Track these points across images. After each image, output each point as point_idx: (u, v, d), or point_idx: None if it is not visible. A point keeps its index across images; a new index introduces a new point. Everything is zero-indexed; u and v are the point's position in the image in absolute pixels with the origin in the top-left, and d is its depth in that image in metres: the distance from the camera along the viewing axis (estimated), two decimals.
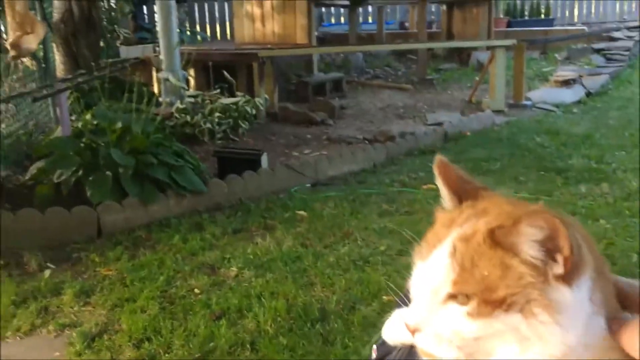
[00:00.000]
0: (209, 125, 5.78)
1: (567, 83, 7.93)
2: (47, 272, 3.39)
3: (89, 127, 4.69)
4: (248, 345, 2.64)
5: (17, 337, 2.81)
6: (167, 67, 6.22)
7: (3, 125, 4.97)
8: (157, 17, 6.60)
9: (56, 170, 4.14)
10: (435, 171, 0.73)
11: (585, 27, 10.90)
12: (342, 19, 12.32)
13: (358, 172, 5.16)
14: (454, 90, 8.43)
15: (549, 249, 0.62)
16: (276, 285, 3.19)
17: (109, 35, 8.57)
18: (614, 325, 0.64)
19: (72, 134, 4.70)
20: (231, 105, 6.00)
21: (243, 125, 6.02)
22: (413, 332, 0.67)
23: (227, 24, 11.31)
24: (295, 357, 2.55)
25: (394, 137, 5.83)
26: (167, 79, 6.16)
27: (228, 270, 3.41)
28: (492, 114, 6.88)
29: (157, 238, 3.86)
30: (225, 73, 6.32)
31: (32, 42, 4.53)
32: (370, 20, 12.06)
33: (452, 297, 0.64)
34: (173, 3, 6.30)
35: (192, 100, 6.09)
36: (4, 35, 4.98)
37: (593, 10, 13.12)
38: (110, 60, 6.39)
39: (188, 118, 5.81)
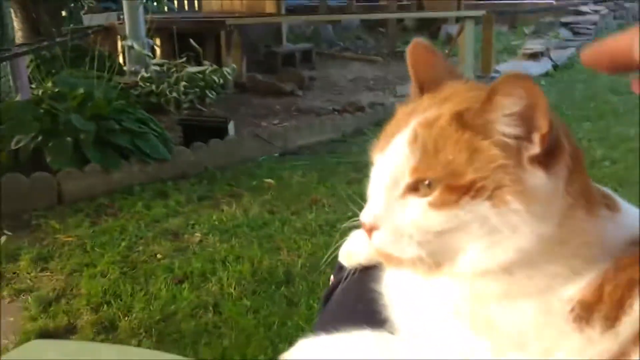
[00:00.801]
0: (174, 94, 5.65)
1: (535, 56, 7.96)
2: (2, 239, 3.28)
3: (50, 94, 4.54)
4: (211, 308, 2.59)
5: None
6: (131, 34, 6.06)
7: None
8: None
9: (14, 136, 4.00)
10: (407, 54, 0.66)
11: (553, 1, 10.94)
12: None
13: (327, 142, 5.11)
14: None
15: (526, 125, 0.55)
16: (241, 250, 3.14)
17: (72, 4, 8.32)
18: None
19: (31, 100, 4.54)
20: (198, 74, 5.87)
21: (210, 95, 5.90)
22: (370, 231, 0.60)
23: None
24: (259, 319, 2.51)
25: (363, 108, 5.78)
26: (131, 47, 6.00)
27: (192, 236, 3.35)
28: None
29: (119, 205, 3.76)
30: (192, 41, 6.18)
31: None
32: None
33: (413, 189, 0.57)
34: None
35: (157, 68, 5.95)
36: None
37: None
38: (72, 26, 6.19)
39: (153, 87, 5.67)
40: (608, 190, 0.65)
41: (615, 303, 0.55)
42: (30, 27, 6.29)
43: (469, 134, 0.56)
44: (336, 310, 0.86)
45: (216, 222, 3.51)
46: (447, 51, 7.86)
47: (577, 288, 0.56)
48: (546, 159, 0.55)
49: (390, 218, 0.58)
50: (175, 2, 10.44)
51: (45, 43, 5.57)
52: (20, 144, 3.96)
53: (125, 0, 6.04)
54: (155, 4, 9.43)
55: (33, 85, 5.12)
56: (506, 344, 0.57)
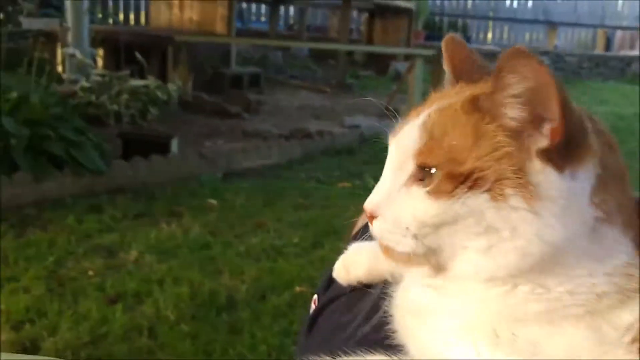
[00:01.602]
0: (115, 107, 5.40)
1: None
2: None
3: None
4: (145, 331, 2.38)
5: None
6: (74, 42, 5.80)
7: None
8: None
9: None
10: (443, 47, 0.62)
11: (498, 48, 11.30)
12: (263, 18, 12.15)
13: (273, 166, 4.97)
14: (371, 97, 8.41)
15: (536, 111, 0.49)
16: (180, 272, 2.95)
17: (10, 8, 7.95)
18: None
19: None
20: (141, 87, 5.65)
21: (152, 111, 5.68)
22: (370, 218, 0.55)
23: (143, 13, 10.83)
24: (198, 345, 2.32)
25: (311, 135, 5.69)
26: (73, 55, 5.73)
27: (127, 254, 3.12)
28: None
29: (48, 217, 3.50)
30: (137, 54, 5.96)
31: None
32: (263, 20, 11.91)
33: (419, 178, 0.52)
34: None
35: (99, 79, 5.69)
36: None
37: (505, 35, 13.69)
38: (10, 28, 5.88)
39: (93, 98, 5.41)
40: None
41: None
42: None
43: (476, 118, 0.51)
44: (330, 334, 0.72)
45: (154, 241, 3.30)
46: (395, 88, 7.93)
47: (633, 315, 0.50)
48: (562, 157, 0.49)
49: (391, 206, 0.55)
50: (122, 16, 10.19)
51: None
52: None
53: (70, 8, 5.79)
54: (100, 16, 9.19)
55: None
56: None
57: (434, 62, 7.43)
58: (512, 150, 0.50)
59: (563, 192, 0.49)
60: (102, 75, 5.79)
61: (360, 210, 0.61)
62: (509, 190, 0.50)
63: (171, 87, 6.01)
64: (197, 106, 6.39)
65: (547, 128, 0.49)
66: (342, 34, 8.52)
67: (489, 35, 13.58)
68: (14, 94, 4.02)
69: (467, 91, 0.56)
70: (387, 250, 0.56)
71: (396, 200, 0.54)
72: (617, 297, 0.50)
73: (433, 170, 0.52)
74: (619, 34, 13.72)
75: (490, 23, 13.69)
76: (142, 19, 10.68)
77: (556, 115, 0.48)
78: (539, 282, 0.51)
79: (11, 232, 3.25)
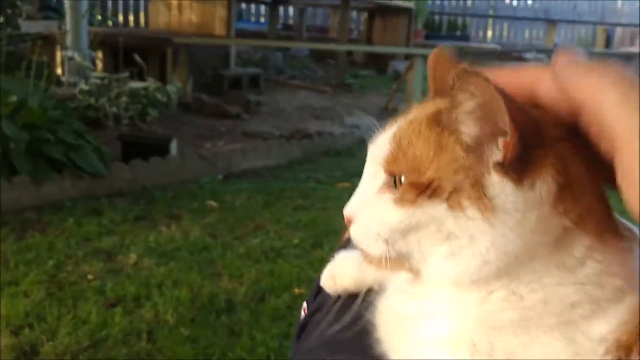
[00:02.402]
0: (114, 109, 5.41)
1: None
2: None
3: None
4: (145, 335, 2.38)
5: None
6: (73, 45, 5.80)
7: None
8: None
9: None
10: (429, 61, 0.62)
11: (498, 46, 11.29)
12: (262, 19, 12.15)
13: (273, 168, 4.97)
14: (371, 96, 8.43)
15: (489, 126, 0.50)
16: (179, 275, 2.95)
17: (9, 11, 7.95)
18: None
19: None
20: (140, 90, 5.66)
21: (152, 113, 5.68)
22: (349, 223, 0.58)
23: (142, 14, 10.83)
24: (197, 349, 2.32)
25: (311, 135, 5.69)
26: (72, 58, 5.74)
27: (126, 258, 3.12)
28: None
29: (48, 220, 3.50)
30: (137, 56, 5.97)
31: None
32: (253, 20, 11.90)
33: (390, 186, 0.55)
34: None
35: (98, 82, 5.69)
36: None
37: (505, 33, 13.69)
38: (9, 31, 5.88)
39: (92, 100, 5.41)
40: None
41: None
42: None
43: (437, 131, 0.53)
44: (317, 343, 0.72)
45: (153, 244, 3.30)
46: (394, 87, 7.93)
47: (607, 326, 0.50)
48: (518, 169, 0.50)
49: (365, 212, 0.57)
50: (121, 17, 10.20)
51: None
52: None
53: (69, 7, 5.79)
54: (99, 17, 9.19)
55: None
56: None
57: None
58: (469, 163, 0.51)
59: (519, 203, 0.50)
60: (101, 78, 5.80)
61: None
62: (465, 202, 0.51)
63: (171, 88, 6.01)
64: (196, 107, 6.39)
65: (501, 142, 0.50)
66: (341, 34, 8.53)
67: (489, 33, 13.57)
68: (13, 98, 4.03)
69: (438, 104, 0.56)
70: (365, 255, 0.58)
71: (369, 207, 0.56)
72: (589, 306, 0.50)
73: (403, 179, 0.54)
74: (618, 31, 13.71)
75: (490, 21, 13.68)
76: (142, 21, 10.70)
77: (508, 130, 0.49)
78: (512, 289, 0.52)
79: (11, 235, 3.25)
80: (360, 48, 9.70)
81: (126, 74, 5.88)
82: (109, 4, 10.75)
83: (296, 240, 3.43)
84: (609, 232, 0.53)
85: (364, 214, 0.57)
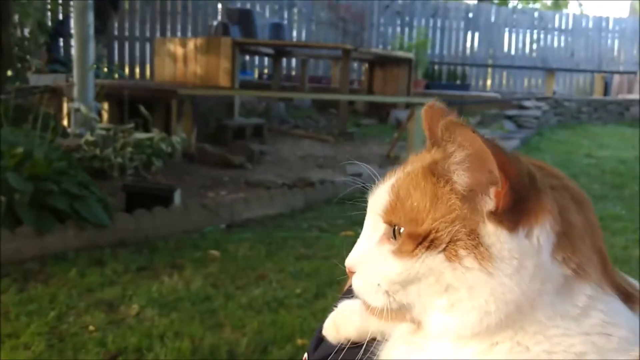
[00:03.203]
0: (119, 159, 5.46)
1: None
2: None
3: None
4: None
5: None
6: (79, 97, 5.91)
7: None
8: (73, 43, 6.29)
9: None
10: (422, 113, 0.65)
11: (498, 95, 11.44)
12: (266, 70, 12.34)
13: (275, 216, 4.98)
14: (372, 145, 8.50)
15: (480, 176, 0.51)
16: (181, 326, 2.93)
17: (19, 65, 8.13)
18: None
19: None
20: (145, 140, 5.73)
21: (156, 163, 5.74)
22: (350, 274, 0.59)
23: (148, 65, 11.05)
24: None
25: (313, 184, 5.72)
26: (78, 110, 5.84)
27: (128, 308, 3.11)
28: None
29: (51, 271, 3.50)
30: (142, 108, 6.06)
31: None
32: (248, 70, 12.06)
33: (389, 237, 0.56)
34: (91, 32, 6.04)
35: (103, 133, 5.77)
36: None
37: (504, 82, 13.88)
38: (17, 85, 6.00)
39: (97, 151, 5.48)
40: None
41: None
42: None
43: (434, 181, 0.55)
44: None
45: (155, 294, 3.29)
46: (395, 135, 8.00)
47: None
48: (512, 217, 0.51)
49: (365, 263, 0.58)
50: (127, 69, 10.39)
51: None
52: None
53: (76, 61, 5.92)
54: (106, 70, 9.37)
55: None
56: None
57: None
58: (464, 212, 0.52)
59: (515, 251, 0.50)
60: (107, 129, 5.88)
61: None
62: (462, 252, 0.51)
63: (175, 139, 6.09)
64: (200, 157, 6.45)
65: (492, 191, 0.51)
66: (342, 84, 8.65)
67: (488, 82, 13.76)
68: (19, 150, 4.08)
69: (434, 155, 0.58)
70: (367, 306, 0.59)
71: (370, 258, 0.57)
72: (596, 357, 0.50)
73: (402, 230, 0.55)
74: (616, 78, 13.88)
75: (489, 70, 13.89)
76: (147, 73, 10.90)
77: (498, 179, 0.50)
78: (517, 341, 0.51)
79: (13, 287, 3.25)
80: (361, 98, 9.83)
81: (131, 125, 5.97)
82: (116, 57, 11.00)
83: (299, 290, 3.42)
84: (610, 283, 0.53)
85: (365, 265, 0.58)
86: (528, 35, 14.48)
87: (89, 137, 5.55)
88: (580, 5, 33.40)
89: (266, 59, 11.99)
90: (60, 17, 10.25)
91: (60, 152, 4.45)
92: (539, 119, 9.86)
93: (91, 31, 6.05)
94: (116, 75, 9.99)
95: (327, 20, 13.00)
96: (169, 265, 3.75)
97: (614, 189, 6.32)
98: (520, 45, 14.46)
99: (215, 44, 7.77)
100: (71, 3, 7.16)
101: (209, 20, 11.64)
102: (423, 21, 13.64)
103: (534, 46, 14.60)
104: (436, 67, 12.85)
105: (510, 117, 9.74)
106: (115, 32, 10.91)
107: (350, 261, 0.59)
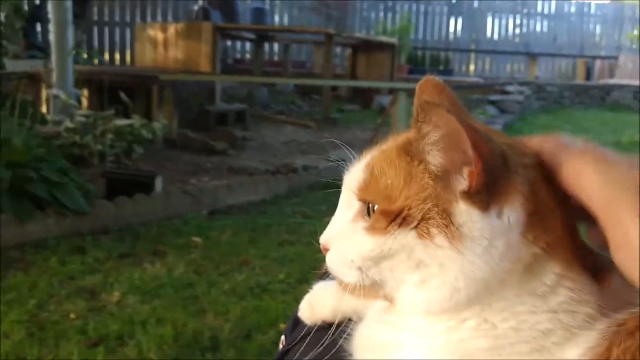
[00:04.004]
0: (99, 146, 5.40)
1: None
2: None
3: None
4: None
5: None
6: (58, 83, 5.82)
7: None
8: (51, 28, 6.19)
9: None
10: (417, 89, 0.64)
11: (481, 80, 11.47)
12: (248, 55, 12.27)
13: (259, 203, 4.96)
14: (356, 131, 8.49)
15: (454, 156, 0.51)
16: (164, 312, 2.91)
17: None
18: None
19: None
20: (126, 127, 5.66)
21: (137, 150, 5.68)
22: (325, 251, 0.60)
23: (128, 51, 10.92)
24: None
25: (296, 170, 5.70)
26: (57, 96, 5.75)
27: (110, 295, 3.08)
28: None
29: (31, 259, 3.46)
30: (122, 94, 5.99)
31: None
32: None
33: (363, 215, 0.56)
34: (69, 17, 5.94)
35: (83, 120, 5.69)
36: None
37: (487, 67, 13.92)
38: None
39: (77, 138, 5.40)
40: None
41: None
42: None
43: (408, 160, 0.55)
44: None
45: (137, 282, 3.27)
46: (379, 121, 8.00)
47: (577, 350, 0.50)
48: (484, 197, 0.51)
49: (339, 240, 0.58)
50: (107, 55, 10.26)
51: None
52: None
53: (54, 46, 5.82)
54: (85, 56, 9.24)
55: None
56: None
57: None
58: (437, 192, 0.52)
59: (486, 231, 0.51)
60: (86, 116, 5.79)
61: None
62: (433, 230, 0.52)
63: (156, 125, 6.02)
64: (182, 144, 6.40)
65: (466, 171, 0.51)
66: (325, 70, 8.62)
67: (471, 67, 13.80)
68: None
69: (409, 135, 0.57)
70: (340, 282, 0.59)
71: (343, 235, 0.57)
72: (562, 334, 0.50)
73: (375, 207, 0.55)
74: (598, 63, 13.98)
75: (472, 55, 13.91)
76: (128, 59, 10.77)
77: (471, 159, 0.50)
78: (483, 317, 0.52)
79: None
80: (344, 83, 9.81)
81: (111, 111, 5.89)
82: (95, 42, 10.84)
83: (282, 276, 3.41)
84: (580, 260, 0.53)
85: (339, 242, 0.58)
86: (511, 20, 14.53)
87: (68, 123, 5.47)
88: None
89: (248, 44, 11.90)
90: (37, 1, 10.08)
91: (39, 139, 4.39)
92: (521, 104, 9.90)
93: (69, 16, 5.95)
94: (96, 61, 9.86)
95: (310, 4, 12.93)
96: (150, 252, 3.72)
97: None
98: (503, 30, 14.51)
99: (196, 29, 7.69)
100: None
101: (189, 5, 11.51)
102: (406, 6, 13.62)
103: (517, 31, 14.65)
104: (419, 52, 12.86)
105: (493, 102, 9.77)
106: (95, 17, 10.75)
107: (324, 238, 0.59)
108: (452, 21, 14.01)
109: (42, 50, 8.75)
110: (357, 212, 0.57)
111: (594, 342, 0.50)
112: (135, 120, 5.81)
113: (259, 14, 10.82)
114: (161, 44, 7.88)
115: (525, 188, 0.52)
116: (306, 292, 0.78)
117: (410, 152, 0.54)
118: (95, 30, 10.84)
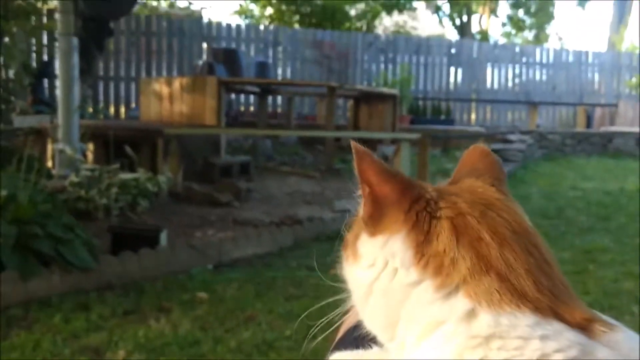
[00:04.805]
0: (104, 200, 5.41)
1: None
2: None
3: None
4: None
5: None
6: (64, 138, 5.88)
7: None
8: (58, 84, 6.29)
9: None
10: (465, 154, 0.67)
11: (482, 129, 11.56)
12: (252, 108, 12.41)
13: (264, 255, 4.94)
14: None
15: (363, 189, 0.58)
16: None
17: (3, 106, 8.11)
18: None
19: None
20: (131, 180, 5.68)
21: (142, 203, 5.69)
22: None
23: (133, 105, 11.06)
24: None
25: (301, 221, 5.69)
26: (62, 151, 5.80)
27: (115, 354, 3.03)
28: None
29: (35, 317, 3.42)
30: (127, 148, 6.03)
31: None
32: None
33: None
34: (76, 73, 6.05)
35: (88, 174, 5.72)
36: None
37: (488, 116, 14.04)
38: (2, 127, 5.97)
39: (82, 192, 5.42)
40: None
41: None
42: None
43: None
44: None
45: (142, 339, 3.21)
46: None
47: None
48: (373, 224, 0.56)
49: None
50: (112, 109, 10.39)
51: None
52: None
53: (61, 102, 5.90)
54: (91, 110, 9.37)
55: None
56: None
57: (419, 145, 7.56)
58: (358, 217, 0.60)
59: (370, 253, 0.56)
60: (92, 170, 5.83)
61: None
62: (348, 253, 0.60)
63: (161, 178, 6.04)
64: (187, 196, 6.41)
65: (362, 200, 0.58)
66: (328, 121, 8.70)
67: (473, 116, 13.92)
68: (3, 193, 4.03)
69: None
70: None
71: None
72: None
73: None
74: (598, 111, 14.10)
75: (473, 105, 14.06)
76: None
77: (363, 185, 0.56)
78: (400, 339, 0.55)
79: None
80: (347, 134, 9.87)
81: (117, 165, 5.93)
82: (101, 96, 11.01)
83: (288, 332, 3.36)
84: (478, 282, 0.52)
85: None
86: (510, 69, 14.74)
87: (73, 178, 5.50)
88: (560, 39, 34.07)
89: (252, 97, 12.06)
90: (45, 58, 10.28)
91: (45, 194, 4.40)
92: (523, 152, 9.94)
93: (76, 72, 6.05)
94: (101, 116, 9.99)
95: (312, 58, 13.15)
96: (156, 308, 3.68)
97: (601, 221, 6.35)
98: (502, 79, 14.70)
99: (201, 83, 7.80)
100: (56, 44, 7.17)
101: (194, 60, 11.72)
102: (406, 57, 13.84)
103: (517, 80, 14.85)
104: (420, 102, 12.99)
105: (495, 151, 9.62)
106: (101, 72, 10.94)
107: None
108: (452, 71, 14.21)
109: (49, 106, 8.89)
110: None
111: None
112: (141, 174, 5.84)
113: (262, 67, 11.00)
114: (166, 98, 7.98)
115: (410, 221, 0.55)
116: (313, 349, 0.77)
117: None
118: (101, 84, 11.03)
